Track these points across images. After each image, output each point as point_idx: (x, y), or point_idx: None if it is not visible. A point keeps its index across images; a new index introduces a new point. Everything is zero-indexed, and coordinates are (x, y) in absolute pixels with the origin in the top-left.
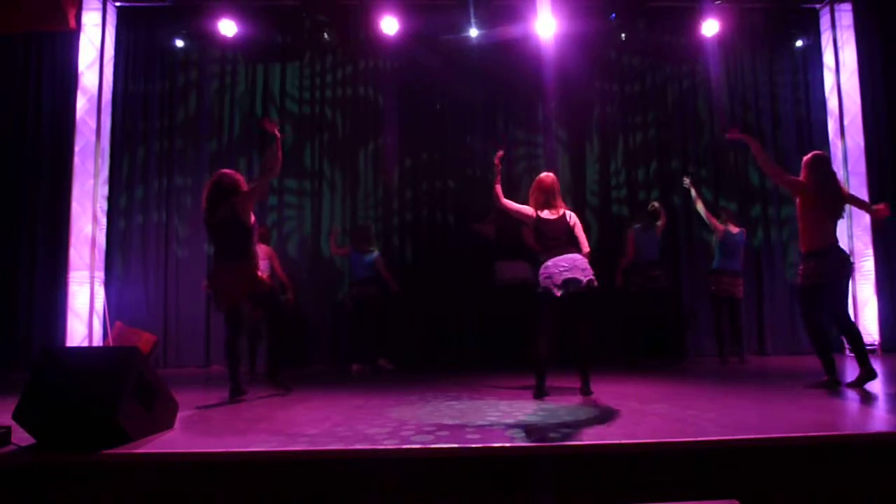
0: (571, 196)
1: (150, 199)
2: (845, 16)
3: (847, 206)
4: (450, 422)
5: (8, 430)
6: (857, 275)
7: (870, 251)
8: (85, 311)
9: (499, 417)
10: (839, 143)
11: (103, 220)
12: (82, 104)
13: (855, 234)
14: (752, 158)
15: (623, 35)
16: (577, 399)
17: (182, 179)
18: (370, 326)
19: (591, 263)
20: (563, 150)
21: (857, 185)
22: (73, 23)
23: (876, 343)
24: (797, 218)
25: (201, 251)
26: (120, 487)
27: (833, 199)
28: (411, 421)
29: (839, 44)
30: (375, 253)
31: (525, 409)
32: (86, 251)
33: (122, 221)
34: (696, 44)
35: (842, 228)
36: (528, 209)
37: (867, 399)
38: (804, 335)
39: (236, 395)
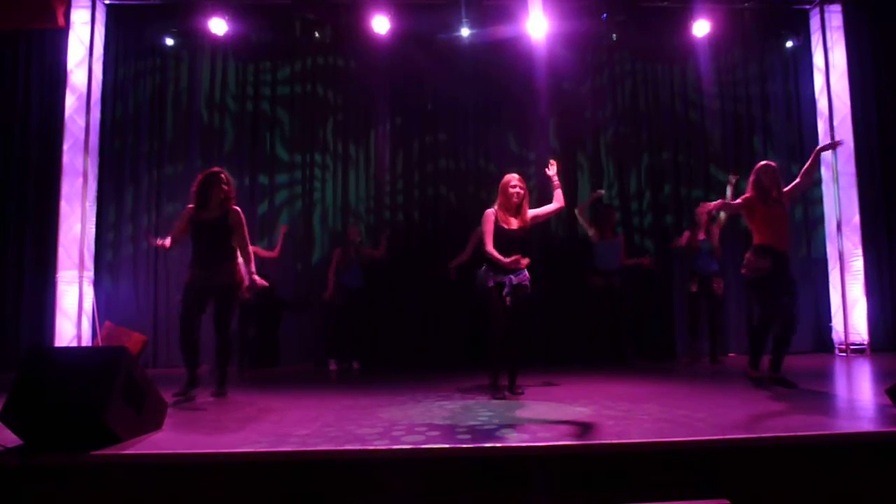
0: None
1: (140, 198)
2: (835, 17)
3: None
4: (441, 422)
5: None
6: (847, 274)
7: (859, 251)
8: (74, 311)
9: (489, 418)
10: None
11: (92, 218)
12: (71, 102)
13: (844, 233)
14: (741, 156)
15: (614, 35)
16: (567, 399)
17: (172, 177)
18: (356, 325)
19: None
20: (554, 156)
21: (846, 184)
22: (61, 20)
23: (865, 343)
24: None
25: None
26: (108, 489)
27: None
28: (402, 421)
29: (829, 44)
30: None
31: (515, 409)
32: (75, 250)
33: (111, 219)
34: (687, 44)
35: (831, 228)
36: None
37: (856, 399)
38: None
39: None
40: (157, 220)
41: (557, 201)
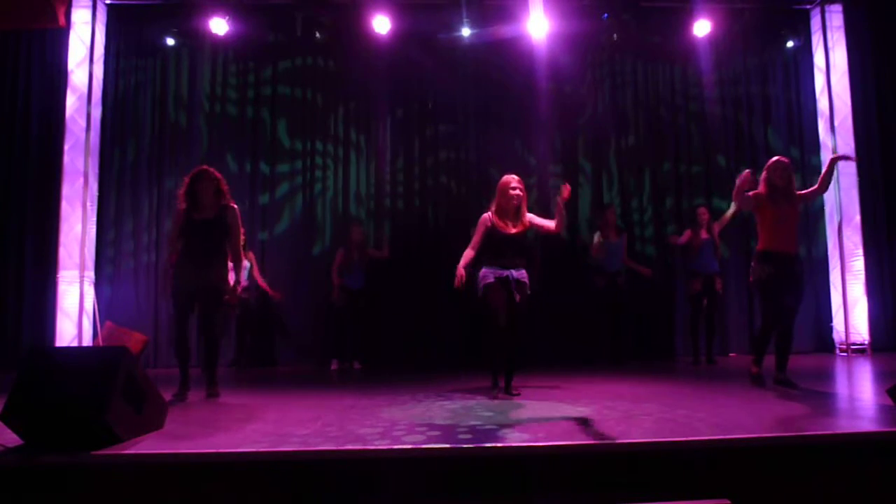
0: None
1: (140, 198)
2: (836, 17)
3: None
4: (441, 422)
5: None
6: (848, 274)
7: (860, 251)
8: (75, 311)
9: (490, 418)
10: (829, 144)
11: (93, 218)
12: (72, 102)
13: (845, 233)
14: (742, 155)
15: (615, 35)
16: (567, 399)
17: (172, 178)
18: (357, 326)
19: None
20: (555, 157)
21: (847, 185)
22: (62, 20)
23: (866, 342)
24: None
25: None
26: (108, 489)
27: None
28: (403, 421)
29: (829, 45)
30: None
31: (516, 410)
32: (75, 250)
33: (112, 219)
34: (688, 44)
35: (832, 228)
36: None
37: (857, 399)
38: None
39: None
40: (158, 220)
41: (557, 227)
